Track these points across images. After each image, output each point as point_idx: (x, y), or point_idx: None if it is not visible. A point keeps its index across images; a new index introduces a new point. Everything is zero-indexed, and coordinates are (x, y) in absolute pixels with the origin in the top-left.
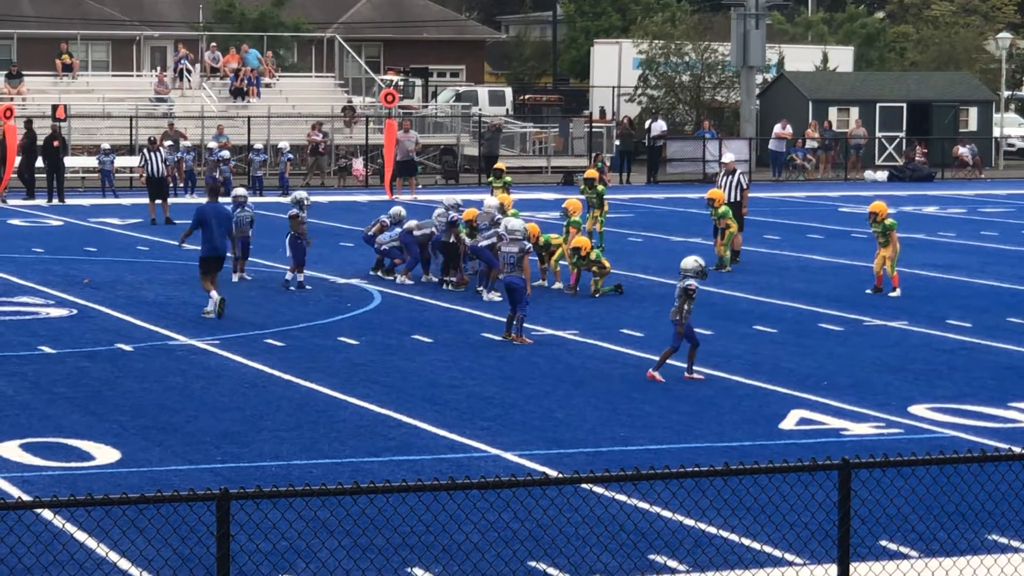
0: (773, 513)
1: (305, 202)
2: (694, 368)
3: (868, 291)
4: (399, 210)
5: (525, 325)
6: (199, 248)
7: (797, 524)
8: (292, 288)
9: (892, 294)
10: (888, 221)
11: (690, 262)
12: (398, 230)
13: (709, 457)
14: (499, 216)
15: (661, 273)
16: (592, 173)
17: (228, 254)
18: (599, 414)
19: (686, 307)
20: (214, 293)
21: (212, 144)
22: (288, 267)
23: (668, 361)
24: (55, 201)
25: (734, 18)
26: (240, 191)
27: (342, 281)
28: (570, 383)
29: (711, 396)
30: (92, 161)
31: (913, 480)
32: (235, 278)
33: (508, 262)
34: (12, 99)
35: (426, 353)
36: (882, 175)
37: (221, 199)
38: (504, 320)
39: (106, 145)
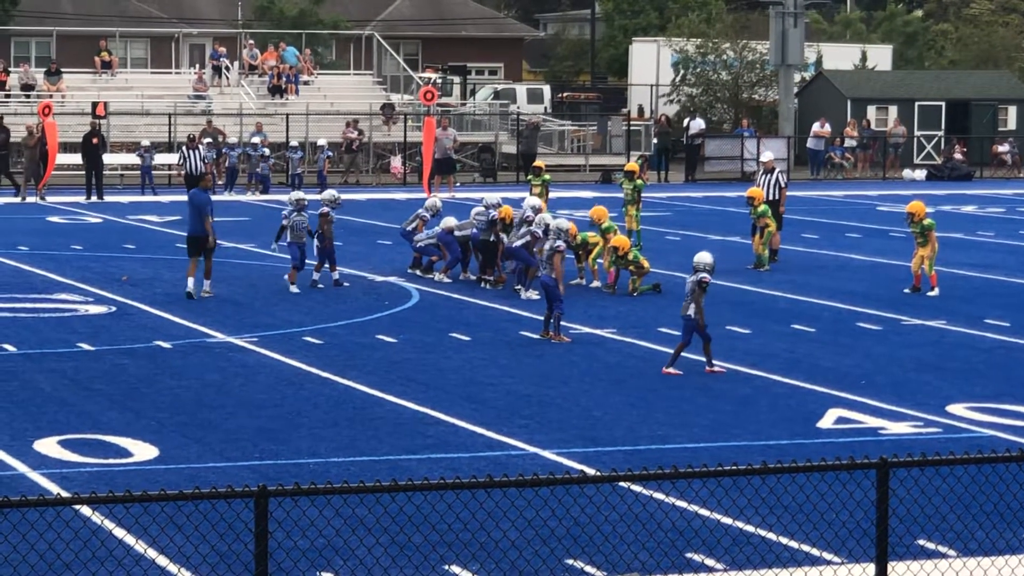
0: (811, 512)
1: (337, 201)
2: (714, 362)
3: (906, 290)
4: (435, 202)
5: (563, 323)
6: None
7: (835, 523)
8: (320, 287)
9: (930, 293)
10: (927, 221)
11: (707, 256)
12: (438, 229)
13: (747, 456)
14: (531, 215)
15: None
16: (632, 166)
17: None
18: (637, 412)
19: (700, 302)
20: (190, 281)
21: (255, 140)
22: (314, 265)
23: (683, 354)
24: (94, 198)
25: (772, 16)
26: (299, 194)
27: (380, 279)
28: (608, 381)
29: (749, 395)
30: (131, 158)
31: (951, 479)
32: (293, 289)
33: (541, 260)
34: (52, 96)
35: (464, 351)
36: (920, 174)
37: (259, 196)
38: (542, 319)
39: (146, 142)
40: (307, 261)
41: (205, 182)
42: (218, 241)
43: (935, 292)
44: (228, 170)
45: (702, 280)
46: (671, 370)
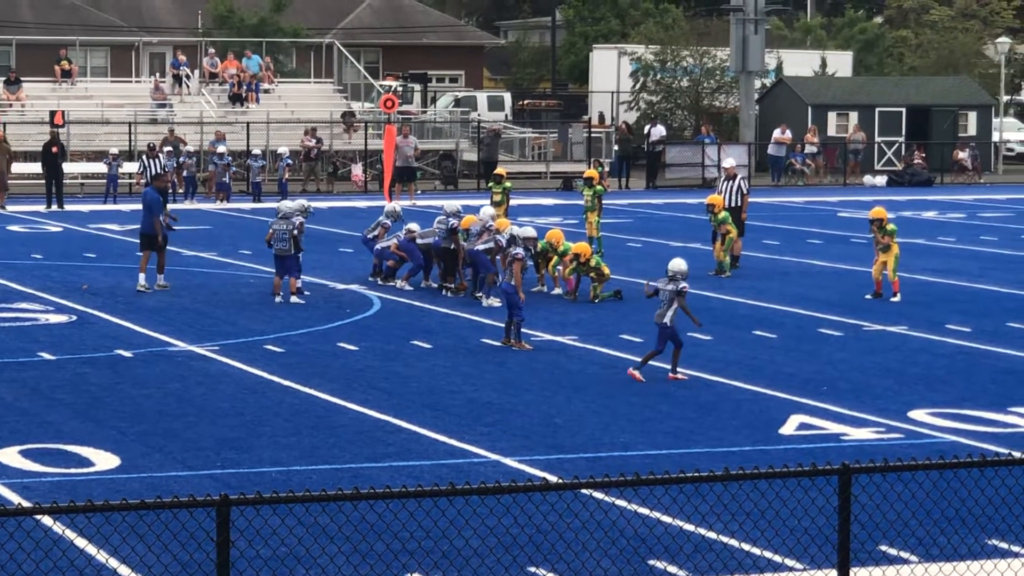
0: (773, 518)
1: (310, 210)
2: (678, 369)
3: (868, 296)
4: (394, 207)
5: (524, 330)
6: None
7: (797, 529)
8: (288, 296)
9: (893, 299)
10: (889, 227)
11: (682, 264)
12: (403, 236)
13: (709, 462)
14: (491, 223)
15: (660, 279)
16: (592, 173)
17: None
18: (599, 419)
19: (675, 308)
20: (140, 276)
21: (221, 149)
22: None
23: (670, 367)
24: (54, 207)
25: (733, 23)
26: (284, 203)
27: (341, 287)
28: (570, 388)
29: (711, 401)
30: (91, 167)
31: (913, 485)
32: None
33: (502, 269)
34: (11, 105)
35: (425, 359)
36: (881, 180)
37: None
38: (503, 326)
39: (113, 150)
40: (269, 270)
41: (159, 182)
42: (168, 246)
43: (897, 298)
44: (187, 179)
45: (682, 289)
46: (636, 373)
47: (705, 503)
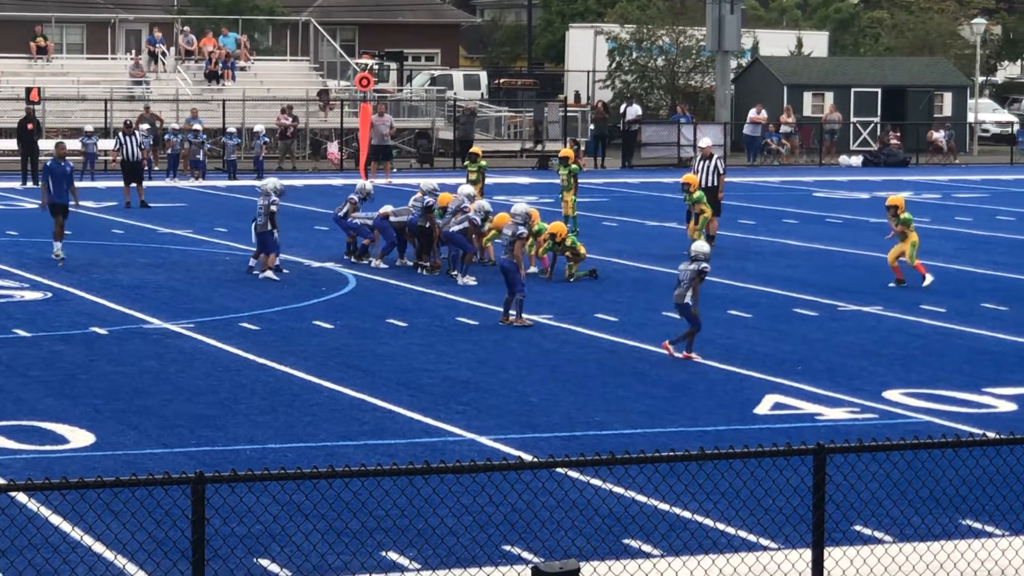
0: (748, 498)
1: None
2: (673, 347)
3: (891, 284)
4: (364, 185)
5: (498, 308)
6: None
7: (772, 509)
8: (255, 273)
9: (923, 284)
10: (904, 215)
11: (705, 246)
12: (376, 214)
13: (684, 442)
14: (467, 203)
15: (636, 258)
16: (567, 152)
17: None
18: (574, 398)
19: (698, 290)
20: (56, 244)
21: (196, 126)
22: (252, 252)
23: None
24: (29, 184)
25: (709, 3)
26: (267, 181)
27: (316, 265)
28: (545, 368)
29: (686, 381)
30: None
31: (887, 465)
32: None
33: (502, 244)
34: None
35: (401, 337)
36: (856, 160)
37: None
38: (480, 305)
39: (89, 127)
40: (243, 247)
41: (59, 150)
42: (71, 210)
43: (928, 280)
44: (170, 156)
45: (703, 270)
46: (692, 355)
47: (680, 482)
